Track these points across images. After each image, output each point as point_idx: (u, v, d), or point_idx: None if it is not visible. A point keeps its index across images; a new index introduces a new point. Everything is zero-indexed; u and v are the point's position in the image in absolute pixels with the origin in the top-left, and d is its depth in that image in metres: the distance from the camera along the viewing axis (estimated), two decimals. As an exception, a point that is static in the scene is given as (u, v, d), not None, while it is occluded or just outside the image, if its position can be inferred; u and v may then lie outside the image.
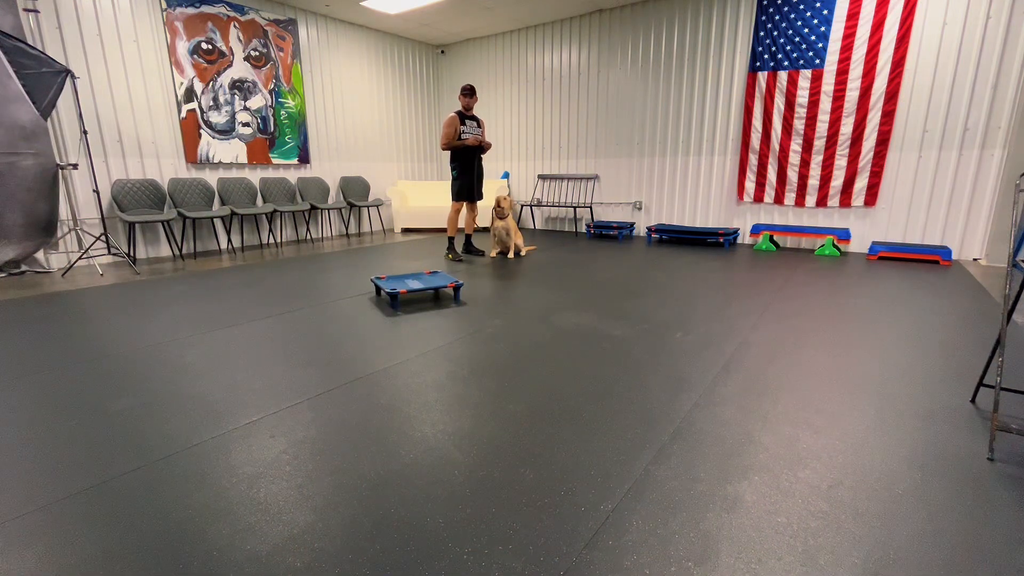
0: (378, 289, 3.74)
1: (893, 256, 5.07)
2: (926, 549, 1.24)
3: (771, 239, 5.72)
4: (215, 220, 5.99)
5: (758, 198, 5.92)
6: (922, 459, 1.62)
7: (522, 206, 8.01)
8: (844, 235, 5.31)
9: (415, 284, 3.60)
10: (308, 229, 6.94)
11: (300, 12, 6.48)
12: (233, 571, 1.18)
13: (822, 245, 5.41)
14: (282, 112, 6.42)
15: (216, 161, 5.88)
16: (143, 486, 1.50)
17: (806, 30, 5.29)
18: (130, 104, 5.19)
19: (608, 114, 6.91)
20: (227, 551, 1.24)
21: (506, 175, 8.13)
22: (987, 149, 4.70)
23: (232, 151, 6.01)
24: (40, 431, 1.83)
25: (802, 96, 5.42)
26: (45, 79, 4.29)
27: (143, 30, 5.18)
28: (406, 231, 7.59)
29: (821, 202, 5.53)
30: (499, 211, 5.26)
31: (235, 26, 5.84)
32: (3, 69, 4.06)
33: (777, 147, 5.67)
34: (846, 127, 5.25)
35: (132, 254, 5.20)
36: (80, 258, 4.82)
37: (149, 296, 3.77)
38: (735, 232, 5.95)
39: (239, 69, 5.94)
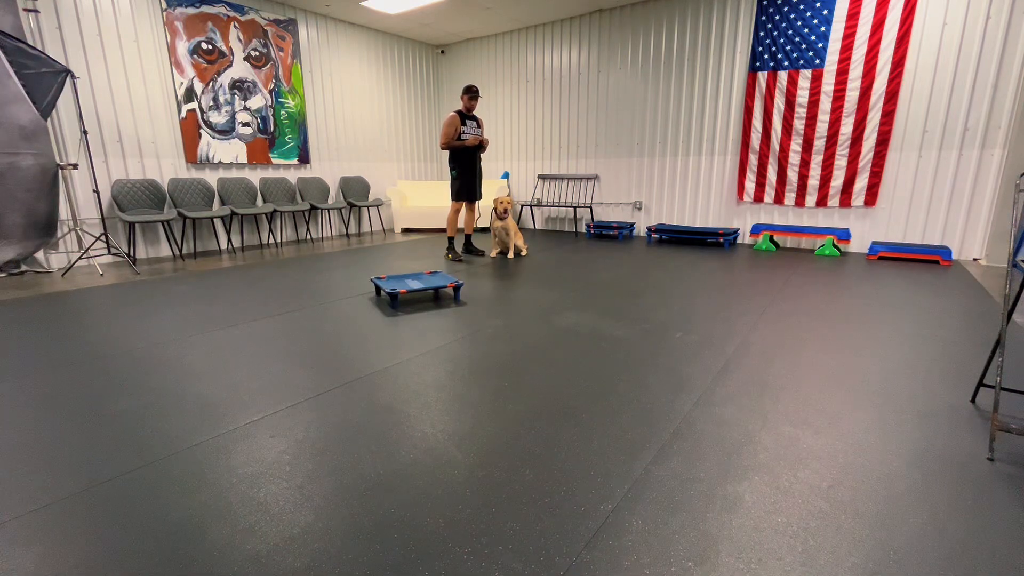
0: (378, 289, 3.74)
1: (893, 256, 5.07)
2: (926, 549, 1.24)
3: (771, 239, 5.72)
4: (215, 220, 5.99)
5: (758, 198, 5.92)
6: (922, 459, 1.62)
7: (522, 206, 8.01)
8: (844, 235, 5.31)
9: (415, 284, 3.60)
10: (308, 229, 6.94)
11: (300, 12, 6.48)
12: (233, 571, 1.18)
13: (822, 245, 5.41)
14: (282, 112, 6.42)
15: (216, 161, 5.88)
16: (143, 486, 1.50)
17: (806, 30, 5.29)
18: (130, 104, 5.19)
19: (608, 114, 6.91)
20: (227, 551, 1.24)
21: (506, 175, 8.13)
22: (987, 149, 4.70)
23: (232, 151, 6.01)
24: (40, 431, 1.83)
25: (802, 96, 5.42)
26: (45, 79, 4.28)
27: (143, 30, 5.18)
28: (406, 231, 7.59)
29: (821, 202, 5.53)
30: (497, 212, 5.26)
31: (235, 26, 5.84)
32: (3, 69, 4.06)
33: (777, 147, 5.67)
34: (846, 127, 5.25)
35: (132, 254, 5.20)
36: (80, 258, 4.82)
37: (149, 296, 3.77)
38: (735, 232, 5.95)
39: (239, 69, 5.94)
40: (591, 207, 7.15)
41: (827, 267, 4.70)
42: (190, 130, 5.62)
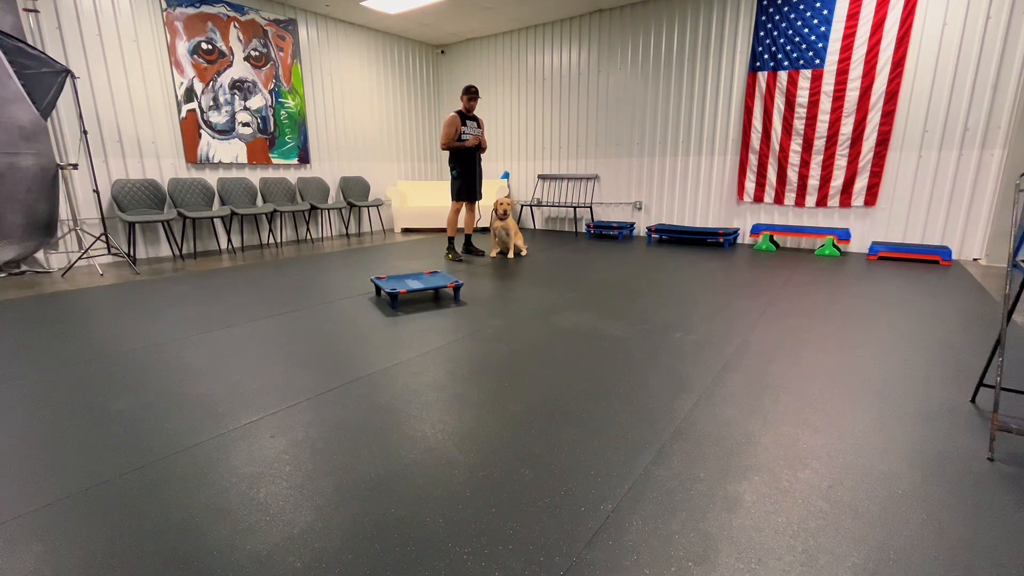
0: (378, 289, 3.74)
1: (893, 256, 5.07)
2: (926, 549, 1.24)
3: (771, 239, 5.72)
4: (215, 220, 5.99)
5: (758, 198, 5.92)
6: (922, 459, 1.62)
7: (522, 206, 8.01)
8: (844, 235, 5.31)
9: (415, 284, 3.60)
10: (308, 229, 6.94)
11: (300, 12, 6.48)
12: (233, 571, 1.18)
13: (822, 245, 5.41)
14: (282, 112, 6.42)
15: (216, 161, 5.88)
16: (143, 486, 1.50)
17: (806, 30, 5.29)
18: (130, 104, 5.19)
19: (608, 114, 6.91)
20: (227, 551, 1.24)
21: (506, 175, 8.14)
22: (987, 149, 4.70)
23: (232, 151, 6.01)
24: (40, 431, 1.83)
25: (802, 96, 5.42)
26: (45, 79, 4.28)
27: (143, 30, 5.18)
28: (406, 231, 7.59)
29: (821, 202, 5.53)
30: (498, 213, 5.26)
31: (235, 26, 5.84)
32: (3, 69, 4.06)
33: (777, 147, 5.67)
34: (846, 127, 5.25)
35: (132, 254, 5.20)
36: (80, 258, 4.82)
37: (149, 296, 3.77)
38: (735, 232, 5.95)
39: (239, 69, 5.94)
40: (591, 207, 7.15)
41: (827, 267, 4.70)
42: (190, 130, 5.62)
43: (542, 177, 7.72)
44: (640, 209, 6.91)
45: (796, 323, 3.02)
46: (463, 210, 5.47)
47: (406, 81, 8.02)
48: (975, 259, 4.92)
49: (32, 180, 4.32)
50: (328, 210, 7.18)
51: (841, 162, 5.34)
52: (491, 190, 7.49)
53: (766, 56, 5.56)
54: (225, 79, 5.83)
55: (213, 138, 5.82)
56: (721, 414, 1.92)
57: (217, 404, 2.03)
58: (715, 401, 2.03)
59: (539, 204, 7.61)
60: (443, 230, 7.57)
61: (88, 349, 2.66)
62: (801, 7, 5.29)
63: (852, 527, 1.31)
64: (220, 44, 5.74)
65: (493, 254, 5.48)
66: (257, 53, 6.08)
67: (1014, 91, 4.51)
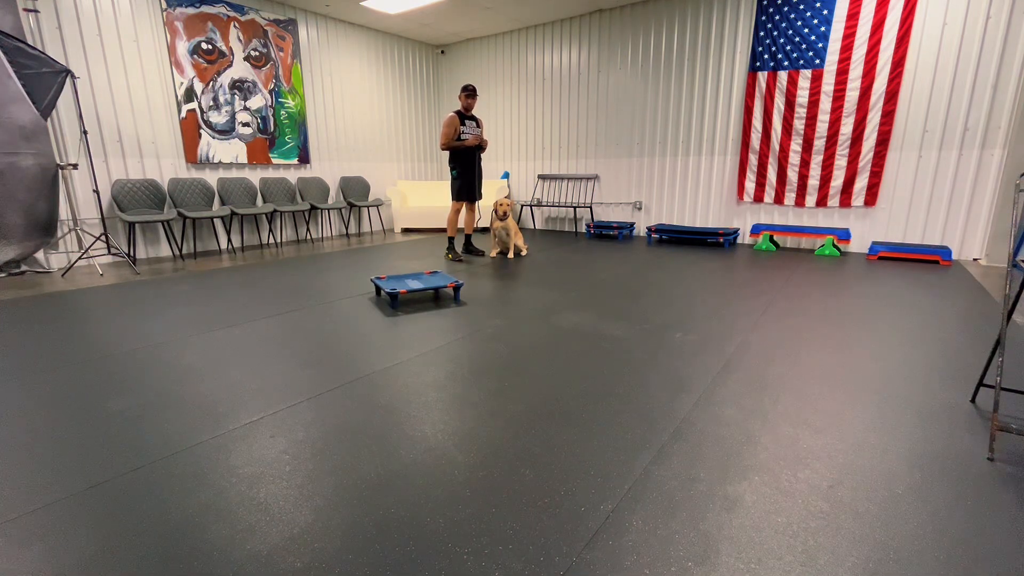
0: (378, 289, 3.74)
1: (893, 256, 5.07)
2: (926, 549, 1.24)
3: (771, 239, 5.72)
4: (215, 220, 5.99)
5: (758, 198, 5.92)
6: (922, 459, 1.62)
7: (522, 206, 8.01)
8: (844, 235, 5.30)
9: (415, 284, 3.60)
10: (308, 229, 6.94)
11: (300, 12, 6.48)
12: (233, 571, 1.18)
13: (822, 245, 5.41)
14: (282, 112, 6.42)
15: (216, 161, 5.88)
16: (143, 486, 1.50)
17: (806, 30, 5.29)
18: (130, 104, 5.19)
19: (608, 114, 6.91)
20: (227, 551, 1.24)
21: (506, 175, 8.13)
22: (987, 149, 4.70)
23: (232, 151, 6.01)
24: (40, 431, 1.83)
25: (802, 96, 5.42)
26: (45, 79, 4.28)
27: (143, 30, 5.18)
28: (406, 231, 7.59)
29: (821, 202, 5.53)
30: (498, 214, 5.27)
31: (235, 26, 5.84)
32: (3, 69, 4.06)
33: (777, 147, 5.67)
34: (846, 127, 5.25)
35: (132, 254, 5.20)
36: (80, 258, 4.82)
37: (149, 296, 3.77)
38: (735, 232, 5.95)
39: (239, 69, 5.94)
40: (591, 207, 7.15)
41: (827, 267, 4.70)
42: (190, 130, 5.62)
43: (542, 177, 7.72)
44: (640, 209, 6.91)
45: (796, 323, 3.02)
46: (463, 210, 5.47)
47: (406, 81, 8.02)
48: (975, 259, 4.92)
49: (32, 180, 4.32)
50: (328, 210, 7.18)
51: (841, 162, 5.34)
52: (491, 190, 7.49)
53: (766, 56, 5.56)
54: (225, 79, 5.83)
55: (213, 138, 5.82)
56: (721, 414, 1.92)
57: (217, 404, 2.03)
58: (715, 401, 2.03)
59: (539, 204, 7.61)
60: (443, 230, 7.57)
61: (88, 349, 2.66)
62: (801, 7, 5.29)
63: (852, 527, 1.31)
64: (220, 44, 5.74)
65: (493, 254, 5.48)
66: (257, 53, 6.08)
67: (1014, 91, 4.51)
